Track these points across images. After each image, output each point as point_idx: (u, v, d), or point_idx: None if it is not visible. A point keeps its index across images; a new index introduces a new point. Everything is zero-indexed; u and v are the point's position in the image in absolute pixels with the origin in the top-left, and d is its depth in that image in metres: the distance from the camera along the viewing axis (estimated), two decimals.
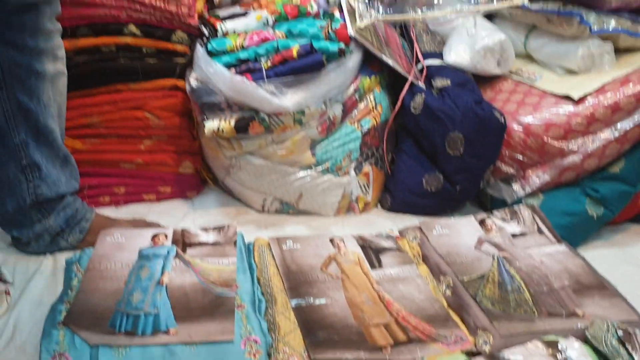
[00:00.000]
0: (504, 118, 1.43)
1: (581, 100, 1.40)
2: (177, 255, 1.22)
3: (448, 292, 1.17)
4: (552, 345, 0.99)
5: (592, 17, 1.45)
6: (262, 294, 1.15)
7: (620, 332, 1.00)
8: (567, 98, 1.42)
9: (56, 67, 1.22)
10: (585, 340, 1.02)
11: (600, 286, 1.18)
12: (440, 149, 1.44)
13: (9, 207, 1.24)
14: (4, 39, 1.13)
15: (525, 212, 1.39)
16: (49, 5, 1.16)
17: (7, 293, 1.16)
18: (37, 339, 1.03)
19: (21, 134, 1.19)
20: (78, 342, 0.99)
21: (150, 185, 1.55)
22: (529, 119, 1.43)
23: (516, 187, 1.46)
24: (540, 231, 1.34)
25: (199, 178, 1.62)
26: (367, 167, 1.53)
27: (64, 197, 1.29)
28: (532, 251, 1.27)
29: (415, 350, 1.01)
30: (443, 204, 1.51)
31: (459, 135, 1.41)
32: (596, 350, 1.00)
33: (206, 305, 1.08)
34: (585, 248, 1.40)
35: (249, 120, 1.37)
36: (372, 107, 1.51)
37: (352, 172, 1.51)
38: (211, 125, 1.38)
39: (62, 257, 1.28)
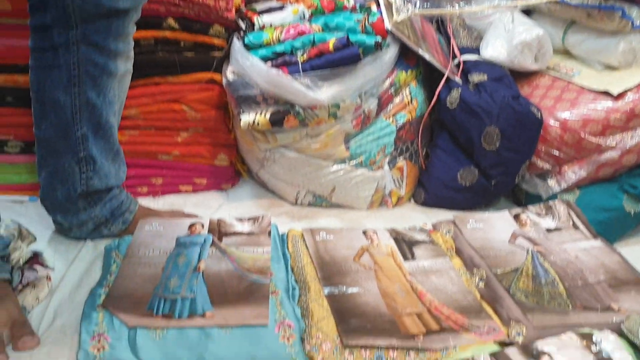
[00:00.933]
0: (541, 113, 1.41)
1: (620, 95, 1.38)
2: (213, 244, 1.24)
3: (481, 285, 1.17)
4: (587, 337, 0.98)
5: (634, 12, 1.42)
6: (296, 281, 1.16)
7: None
8: (606, 94, 1.40)
9: (127, 66, 1.25)
10: (621, 334, 1.01)
11: (637, 282, 1.16)
12: (476, 144, 1.43)
13: (59, 194, 1.27)
14: (88, 40, 1.16)
15: (560, 207, 1.38)
16: (135, 11, 1.19)
17: (49, 278, 1.19)
18: (77, 321, 1.06)
19: (83, 128, 1.21)
20: (117, 324, 1.01)
21: (186, 176, 1.58)
22: (566, 115, 1.41)
23: (552, 182, 1.44)
24: (575, 226, 1.33)
25: (233, 170, 1.64)
26: (401, 162, 1.53)
27: (112, 188, 1.32)
28: (567, 246, 1.26)
29: (447, 339, 1.01)
30: (477, 199, 1.51)
31: (496, 129, 1.41)
32: (632, 344, 0.99)
33: (241, 291, 1.10)
34: (621, 245, 1.37)
35: (284, 113, 1.39)
36: (408, 102, 1.52)
37: (386, 166, 1.51)
38: (247, 118, 1.40)
39: (102, 244, 1.31)
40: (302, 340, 1.00)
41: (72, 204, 1.27)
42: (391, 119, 1.50)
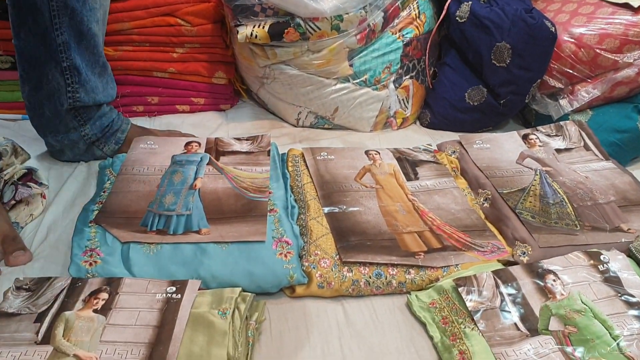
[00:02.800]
0: (555, 28, 1.34)
1: None
2: (210, 162, 1.20)
3: (486, 205, 1.13)
4: (594, 256, 0.95)
5: None
6: (295, 201, 1.13)
7: None
8: (626, 6, 1.32)
9: None
10: (629, 254, 0.98)
11: None
12: (486, 60, 1.37)
13: (47, 110, 1.23)
14: None
15: (571, 127, 1.32)
16: None
17: (43, 196, 1.16)
18: (69, 237, 1.03)
19: (64, 34, 1.16)
20: (109, 239, 0.99)
21: (183, 95, 1.52)
22: (581, 30, 1.34)
23: (563, 102, 1.38)
24: (587, 147, 1.28)
25: (232, 89, 1.58)
26: (407, 81, 1.47)
27: (101, 105, 1.27)
28: (577, 167, 1.22)
29: (449, 258, 0.98)
30: (485, 120, 1.45)
31: (507, 45, 1.33)
32: None
33: (239, 209, 1.07)
34: (633, 167, 1.33)
35: (284, 25, 1.32)
36: (416, 16, 1.44)
37: (391, 86, 1.45)
38: (244, 30, 1.33)
39: (96, 164, 1.28)
40: (300, 257, 0.98)
41: (60, 121, 1.23)
42: (397, 34, 1.42)
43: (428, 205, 1.11)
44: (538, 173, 1.19)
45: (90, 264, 0.94)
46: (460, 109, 1.44)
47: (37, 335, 0.80)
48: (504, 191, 1.14)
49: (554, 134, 1.32)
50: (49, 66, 1.18)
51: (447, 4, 1.42)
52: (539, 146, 1.28)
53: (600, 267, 0.94)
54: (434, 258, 0.98)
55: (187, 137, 1.35)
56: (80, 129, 1.26)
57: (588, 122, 1.35)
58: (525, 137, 1.31)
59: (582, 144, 1.29)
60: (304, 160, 1.26)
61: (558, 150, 1.26)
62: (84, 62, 1.20)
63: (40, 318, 0.83)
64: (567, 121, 1.35)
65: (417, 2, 1.44)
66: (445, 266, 0.97)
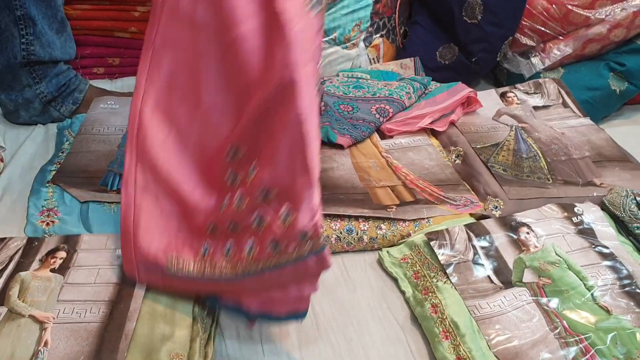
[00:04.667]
0: None
1: None
2: None
3: (458, 161, 1.11)
4: (568, 209, 0.94)
5: None
6: None
7: (639, 199, 0.95)
8: None
9: None
10: (603, 207, 0.97)
11: (622, 159, 1.12)
12: (457, 17, 1.34)
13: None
14: None
15: (550, 85, 1.31)
16: None
17: (0, 160, 1.11)
18: (26, 198, 0.98)
19: None
20: (68, 199, 0.95)
21: None
22: None
23: (535, 60, 1.36)
24: (565, 104, 1.27)
25: None
26: (377, 40, 1.43)
27: (58, 63, 1.21)
28: (554, 123, 1.21)
29: (421, 211, 0.96)
30: (457, 78, 1.41)
31: (478, 1, 1.30)
32: (614, 216, 0.95)
33: None
34: (605, 125, 1.32)
35: None
36: None
37: (362, 44, 1.41)
38: None
39: (54, 126, 1.22)
40: None
41: (14, 76, 1.17)
42: None
43: (402, 161, 1.09)
44: (513, 129, 1.17)
45: (48, 224, 0.90)
46: (432, 67, 1.41)
47: None
48: (477, 146, 1.13)
49: (533, 91, 1.30)
50: (1, 14, 1.12)
51: None
52: (517, 104, 1.26)
53: (574, 219, 0.92)
54: (406, 211, 0.96)
55: None
56: (35, 87, 1.20)
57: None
58: (503, 95, 1.29)
59: (561, 101, 1.28)
60: None
61: (536, 108, 1.25)
62: (39, 14, 1.14)
63: None
64: (546, 79, 1.33)
65: None
66: (417, 219, 0.94)
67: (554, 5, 1.31)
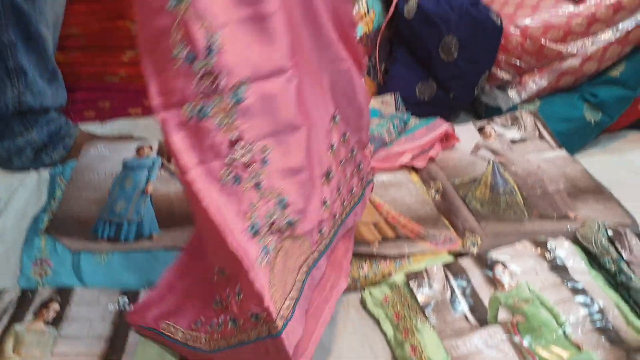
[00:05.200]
0: (501, 20, 1.36)
1: (582, 0, 1.33)
2: (162, 166, 1.19)
3: (437, 197, 1.15)
4: (541, 245, 0.98)
5: None
6: None
7: (610, 232, 0.99)
8: None
9: None
10: (575, 241, 1.01)
11: (596, 190, 1.15)
12: (434, 55, 1.38)
13: None
14: None
15: (527, 117, 1.35)
16: None
17: None
18: (20, 247, 1.01)
19: (10, 34, 1.14)
20: (60, 249, 0.98)
21: (135, 98, 1.50)
22: (527, 21, 1.36)
23: (512, 93, 1.41)
24: (541, 136, 1.31)
25: None
26: None
27: (49, 111, 1.25)
28: (531, 156, 1.24)
29: (402, 246, 0.99)
30: (437, 113, 1.45)
31: (453, 39, 1.35)
32: (586, 251, 0.99)
33: (190, 213, 1.06)
34: (582, 154, 1.36)
35: None
36: (365, 13, 1.44)
37: None
38: None
39: (46, 172, 1.25)
40: None
41: (6, 125, 1.21)
42: None
43: (384, 198, 1.13)
44: (491, 163, 1.21)
45: (41, 275, 0.93)
46: (412, 103, 1.45)
47: None
48: (456, 181, 1.16)
49: (510, 124, 1.34)
50: None
51: (395, 0, 1.43)
52: (495, 137, 1.30)
53: (547, 256, 0.96)
54: (387, 246, 1.00)
55: (139, 140, 1.34)
56: (27, 135, 1.23)
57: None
58: (481, 129, 1.33)
59: (537, 133, 1.31)
60: None
61: (513, 141, 1.29)
62: (31, 64, 1.18)
63: None
64: (523, 110, 1.37)
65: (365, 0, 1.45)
66: (398, 255, 0.98)
67: (528, 40, 1.35)
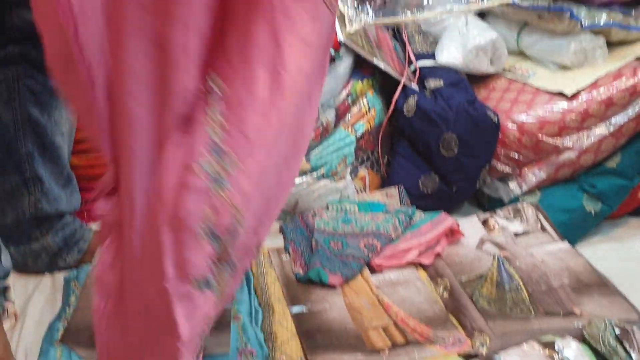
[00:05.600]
0: (498, 117, 1.42)
1: (574, 96, 1.39)
2: None
3: (445, 295, 1.16)
4: (549, 346, 0.99)
5: (583, 12, 1.43)
6: (259, 304, 1.15)
7: (617, 331, 1.00)
8: (561, 94, 1.41)
9: None
10: (583, 340, 1.02)
11: (600, 284, 1.17)
12: (435, 151, 1.43)
13: (8, 219, 1.24)
14: (27, 56, 1.15)
15: (528, 210, 1.38)
16: None
17: (16, 316, 1.16)
18: (35, 358, 1.03)
19: (28, 145, 1.19)
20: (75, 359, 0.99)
21: None
22: (522, 117, 1.42)
23: (513, 185, 1.45)
24: (543, 229, 1.34)
25: None
26: (363, 171, 1.53)
27: (63, 215, 1.28)
28: (534, 250, 1.26)
29: (412, 352, 1.01)
30: (440, 205, 1.50)
31: (453, 136, 1.41)
32: (594, 350, 1.00)
33: None
34: (584, 244, 1.39)
35: None
36: (366, 111, 1.51)
37: (348, 177, 1.51)
38: None
39: (61, 276, 1.27)
40: None
41: (22, 231, 1.24)
42: (350, 129, 1.49)
43: (392, 297, 1.14)
44: (496, 259, 1.23)
45: None
46: (415, 196, 1.50)
47: None
48: (463, 279, 1.19)
49: (512, 216, 1.37)
50: (13, 176, 1.20)
51: (394, 99, 1.50)
52: (498, 231, 1.33)
53: (555, 357, 0.97)
54: (398, 354, 1.01)
55: None
56: (42, 240, 1.26)
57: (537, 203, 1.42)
58: (485, 222, 1.36)
59: (539, 225, 1.34)
60: (270, 260, 1.28)
61: (517, 235, 1.32)
62: (47, 172, 1.23)
63: None
64: (525, 203, 1.41)
65: (366, 98, 1.51)
66: None
67: (525, 135, 1.41)
